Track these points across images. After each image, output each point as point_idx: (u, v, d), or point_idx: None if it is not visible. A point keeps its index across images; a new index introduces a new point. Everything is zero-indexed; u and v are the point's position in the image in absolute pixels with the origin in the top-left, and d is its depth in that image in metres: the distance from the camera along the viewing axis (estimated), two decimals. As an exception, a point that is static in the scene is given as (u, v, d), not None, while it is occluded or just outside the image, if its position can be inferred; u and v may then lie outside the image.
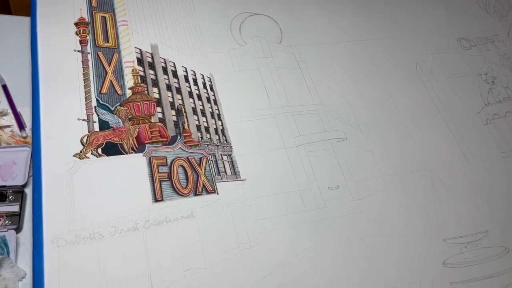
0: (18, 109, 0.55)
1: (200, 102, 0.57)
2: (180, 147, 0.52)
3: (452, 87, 0.65)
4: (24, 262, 0.45)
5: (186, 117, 0.55)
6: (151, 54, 0.60)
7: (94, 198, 0.46)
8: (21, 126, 0.53)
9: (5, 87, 0.56)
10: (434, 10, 0.75)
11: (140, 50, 0.59)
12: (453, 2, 0.77)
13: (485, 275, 0.49)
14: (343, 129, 0.58)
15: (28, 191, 0.49)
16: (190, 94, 0.57)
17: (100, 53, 0.58)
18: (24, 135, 0.53)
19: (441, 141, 0.59)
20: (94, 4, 0.63)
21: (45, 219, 0.44)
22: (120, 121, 0.53)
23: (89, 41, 0.59)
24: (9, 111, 0.54)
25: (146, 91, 0.56)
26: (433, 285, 0.47)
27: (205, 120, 0.55)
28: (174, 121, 0.54)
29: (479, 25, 0.74)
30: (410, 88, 0.63)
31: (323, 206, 0.50)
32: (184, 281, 0.43)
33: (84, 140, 0.50)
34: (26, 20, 0.64)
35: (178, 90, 0.57)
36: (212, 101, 0.57)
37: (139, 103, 0.55)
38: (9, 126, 0.53)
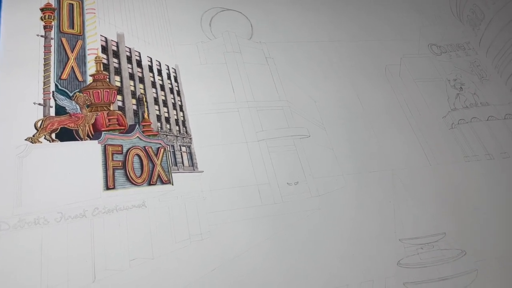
0: (-26, 91, 0.53)
1: (162, 93, 0.56)
2: (137, 136, 0.51)
3: (420, 91, 0.65)
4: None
5: (147, 107, 0.54)
6: (117, 42, 0.59)
7: (43, 183, 0.45)
8: (-25, 108, 0.51)
9: (-38, 69, 0.54)
10: (407, 15, 0.75)
11: (106, 38, 0.58)
12: (426, 8, 0.78)
13: (440, 276, 0.48)
14: (307, 126, 0.57)
15: (-24, 174, 0.47)
16: (153, 84, 0.56)
17: (63, 39, 0.57)
18: (-24, 117, 0.51)
19: (405, 143, 0.59)
20: (62, -10, 0.62)
21: (-12, 202, 0.43)
22: (78, 107, 0.51)
23: (53, 26, 0.58)
24: (-36, 92, 0.53)
25: (107, 79, 0.55)
26: (386, 285, 0.47)
27: (166, 111, 0.54)
28: (134, 110, 0.53)
29: (451, 32, 0.75)
30: (377, 90, 0.63)
31: (280, 201, 0.50)
32: (129, 270, 0.42)
33: (38, 124, 0.49)
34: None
35: (141, 80, 0.56)
36: (175, 92, 0.56)
37: (99, 90, 0.53)
38: (-38, 107, 0.51)
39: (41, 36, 0.56)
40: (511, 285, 0.49)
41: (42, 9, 0.59)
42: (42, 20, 0.58)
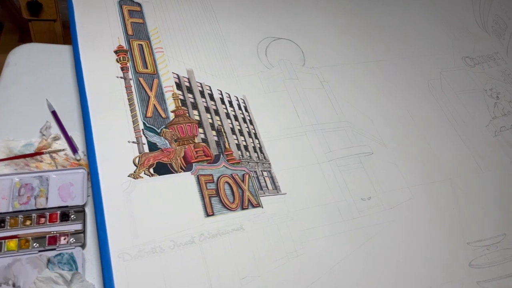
0: (69, 133, 0.58)
1: (237, 123, 0.61)
2: (224, 165, 0.56)
3: (462, 102, 0.71)
4: (91, 277, 0.48)
5: (226, 137, 0.59)
6: (188, 78, 0.64)
7: (152, 214, 0.50)
8: (74, 149, 0.57)
9: (54, 113, 0.60)
10: (439, 31, 0.81)
11: (178, 75, 0.64)
12: (455, 23, 0.84)
13: (507, 273, 0.54)
14: (368, 144, 0.63)
15: (87, 210, 0.52)
16: (228, 115, 0.62)
17: (141, 79, 0.62)
18: (77, 158, 0.56)
19: (456, 152, 0.65)
20: (130, 32, 0.67)
21: (109, 236, 0.48)
22: (167, 142, 0.57)
23: (129, 67, 0.63)
24: (61, 136, 0.58)
25: (187, 114, 0.60)
26: (462, 285, 0.52)
27: (244, 139, 0.60)
28: (215, 141, 0.59)
29: (480, 44, 0.81)
30: (424, 104, 0.69)
31: (358, 216, 0.55)
32: (241, 287, 0.47)
33: (136, 161, 0.54)
34: (65, 48, 0.68)
35: (216, 112, 0.62)
36: (248, 121, 0.62)
37: (182, 125, 0.59)
38: (62, 149, 0.57)
39: (121, 77, 0.62)
40: None
41: (116, 52, 0.64)
42: (118, 62, 0.63)
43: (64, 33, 1.05)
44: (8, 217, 0.50)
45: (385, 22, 0.80)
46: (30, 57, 0.65)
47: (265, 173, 0.57)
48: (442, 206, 0.58)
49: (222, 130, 0.60)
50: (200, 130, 0.59)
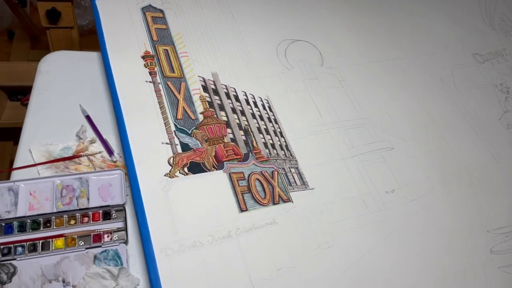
0: (104, 136, 0.61)
1: (263, 122, 0.64)
2: (253, 163, 0.59)
3: (474, 98, 0.74)
4: (136, 271, 0.51)
5: (254, 136, 0.62)
6: (213, 81, 0.67)
7: (189, 211, 0.53)
8: (110, 151, 0.59)
9: (88, 117, 0.62)
10: (448, 30, 0.84)
11: (203, 78, 0.66)
12: (462, 21, 0.87)
13: (526, 259, 0.57)
14: (388, 139, 0.65)
15: (127, 209, 0.55)
16: (253, 116, 0.64)
17: (169, 83, 0.65)
18: (114, 159, 0.59)
19: (471, 145, 0.67)
20: (155, 38, 0.70)
21: (152, 232, 0.50)
22: (198, 142, 0.59)
23: (157, 72, 0.66)
24: (96, 139, 0.60)
25: (215, 115, 0.63)
26: (484, 270, 0.55)
27: (270, 138, 0.62)
28: (243, 140, 0.61)
29: (488, 41, 0.84)
30: (439, 100, 0.72)
31: (384, 208, 0.58)
32: (278, 278, 0.50)
33: (171, 161, 0.56)
34: (93, 55, 0.71)
35: (242, 112, 0.64)
36: (273, 121, 0.64)
37: (211, 126, 0.62)
38: (99, 152, 0.59)
39: (150, 82, 0.64)
40: None
41: (143, 57, 0.67)
42: (145, 67, 0.66)
43: (80, 39, 1.07)
44: (54, 217, 0.52)
45: (397, 23, 0.83)
46: (60, 64, 0.68)
47: (292, 170, 0.60)
48: (461, 197, 0.61)
49: (249, 129, 0.63)
50: (229, 130, 0.62)
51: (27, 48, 1.50)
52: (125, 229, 0.53)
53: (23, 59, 1.46)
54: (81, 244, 0.51)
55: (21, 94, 1.15)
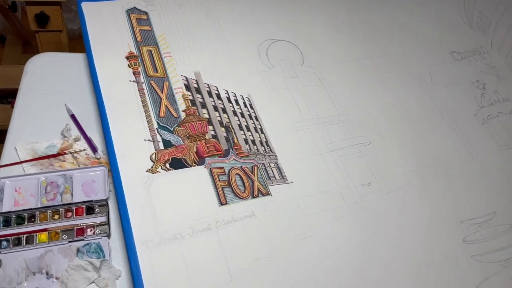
0: (88, 134, 0.62)
1: (244, 119, 0.66)
2: (233, 159, 0.61)
3: (451, 94, 0.76)
4: (118, 263, 0.52)
5: (235, 133, 0.64)
6: (196, 80, 0.68)
7: (170, 205, 0.55)
8: (94, 149, 0.61)
9: (73, 116, 0.64)
10: (427, 28, 0.86)
11: (186, 77, 0.68)
12: (441, 20, 0.89)
13: (498, 247, 0.59)
14: (366, 135, 0.67)
15: (110, 204, 0.56)
16: (235, 113, 0.66)
17: (152, 82, 0.66)
18: (98, 156, 0.61)
19: (448, 140, 0.69)
20: (139, 39, 0.72)
21: (133, 226, 0.52)
22: (180, 139, 0.61)
23: (141, 72, 0.67)
24: (81, 137, 0.62)
25: (197, 113, 0.65)
26: (457, 259, 0.57)
27: (251, 134, 0.64)
28: (225, 137, 0.63)
29: (466, 39, 0.86)
30: (416, 97, 0.74)
31: (360, 201, 0.60)
32: (256, 268, 0.52)
33: (153, 157, 0.58)
34: (79, 56, 0.73)
35: (224, 110, 0.66)
36: (253, 118, 0.66)
37: (193, 123, 0.63)
38: (83, 149, 0.61)
39: (133, 81, 0.66)
40: (556, 248, 0.60)
41: (127, 58, 0.69)
42: (129, 67, 0.68)
43: (69, 43, 1.09)
44: (38, 212, 0.54)
45: (377, 22, 0.85)
46: (46, 65, 0.70)
47: (272, 165, 0.62)
48: (436, 189, 0.63)
49: (230, 126, 0.65)
50: (210, 127, 0.64)
51: (18, 52, 1.52)
52: (107, 223, 0.54)
53: (15, 64, 1.48)
54: (64, 238, 0.52)
55: (12, 97, 1.17)
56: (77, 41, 1.32)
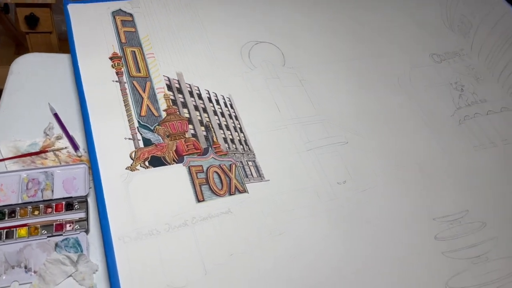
0: (70, 133, 0.64)
1: (224, 119, 0.67)
2: (212, 157, 0.62)
3: (429, 95, 0.77)
4: (95, 258, 0.54)
5: (214, 132, 0.65)
6: (178, 80, 0.70)
7: (148, 201, 0.56)
8: (75, 147, 0.62)
9: (56, 115, 0.65)
10: (408, 31, 0.88)
11: (168, 77, 0.70)
12: (423, 23, 0.91)
13: (469, 244, 0.60)
14: (343, 134, 0.69)
15: (90, 200, 0.58)
16: (215, 113, 0.68)
17: (135, 82, 0.68)
18: (79, 154, 0.62)
19: (424, 140, 0.71)
20: (123, 40, 0.73)
21: (110, 221, 0.53)
22: (160, 138, 0.62)
23: (124, 72, 0.69)
24: (63, 135, 0.63)
25: (178, 112, 0.66)
26: (429, 255, 0.58)
27: (230, 133, 0.66)
28: (204, 135, 0.65)
29: (447, 42, 0.88)
30: (395, 98, 0.76)
31: (335, 198, 0.61)
32: (230, 263, 0.53)
33: (133, 155, 0.60)
34: (64, 56, 0.74)
35: (204, 110, 0.68)
36: (233, 117, 0.68)
37: (173, 122, 0.65)
38: (65, 147, 0.62)
39: (116, 81, 0.68)
40: (526, 245, 0.61)
41: (111, 58, 0.70)
42: (113, 67, 0.69)
43: (59, 44, 1.11)
44: (18, 208, 0.55)
45: (358, 24, 0.86)
46: (32, 65, 0.71)
47: (250, 163, 0.63)
48: (410, 188, 0.64)
49: (210, 125, 0.66)
50: (190, 126, 0.65)
51: (11, 53, 1.53)
52: (86, 219, 0.56)
53: (7, 65, 1.49)
54: (43, 233, 0.54)
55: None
56: (68, 43, 1.34)
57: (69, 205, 0.56)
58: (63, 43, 1.14)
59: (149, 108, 0.66)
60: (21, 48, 1.57)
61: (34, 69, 0.71)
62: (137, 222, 0.54)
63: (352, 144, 0.68)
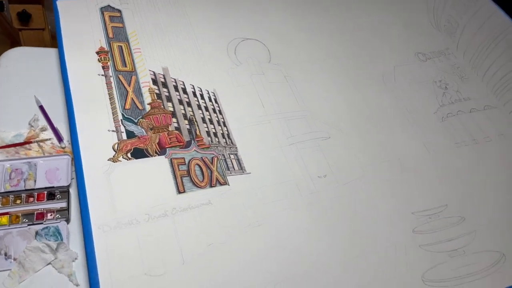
0: (55, 124, 0.65)
1: (207, 113, 0.68)
2: (194, 150, 0.63)
3: (413, 93, 0.78)
4: (75, 247, 0.55)
5: (198, 125, 0.66)
6: (163, 75, 0.71)
7: (129, 192, 0.57)
8: (60, 138, 0.63)
9: (41, 108, 0.66)
10: (394, 30, 0.89)
11: (154, 72, 0.71)
12: (409, 22, 0.92)
13: (447, 238, 0.61)
14: (326, 130, 0.70)
15: (72, 191, 0.59)
16: (199, 107, 0.68)
17: (120, 76, 0.69)
18: (63, 145, 0.63)
19: (406, 136, 0.72)
20: (110, 35, 0.74)
21: (91, 211, 0.54)
22: (143, 130, 0.63)
23: (110, 66, 0.70)
24: (48, 127, 0.64)
25: (162, 106, 0.67)
26: (405, 248, 0.59)
27: (213, 127, 0.67)
28: (187, 129, 0.66)
29: (433, 41, 0.89)
30: (379, 95, 0.76)
31: (315, 191, 0.62)
32: (208, 253, 0.54)
33: (115, 147, 0.60)
34: (52, 51, 0.75)
35: (189, 104, 0.68)
36: (217, 112, 0.69)
37: (157, 116, 0.66)
38: (49, 139, 0.63)
39: (102, 75, 0.68)
40: (502, 239, 0.62)
41: (97, 52, 0.71)
42: (99, 62, 0.70)
43: (53, 41, 1.12)
44: (0, 197, 0.56)
45: (344, 22, 0.87)
46: (20, 59, 0.72)
47: (232, 156, 0.64)
48: (390, 182, 0.65)
49: (194, 119, 0.67)
50: (174, 119, 0.66)
51: (7, 50, 1.55)
52: (67, 208, 0.56)
53: (2, 62, 1.50)
54: (24, 221, 0.54)
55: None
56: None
57: (51, 195, 0.57)
58: (56, 40, 1.15)
59: (134, 102, 0.66)
60: (16, 46, 1.59)
61: (22, 62, 0.72)
62: (117, 212, 0.55)
63: (335, 139, 0.69)
